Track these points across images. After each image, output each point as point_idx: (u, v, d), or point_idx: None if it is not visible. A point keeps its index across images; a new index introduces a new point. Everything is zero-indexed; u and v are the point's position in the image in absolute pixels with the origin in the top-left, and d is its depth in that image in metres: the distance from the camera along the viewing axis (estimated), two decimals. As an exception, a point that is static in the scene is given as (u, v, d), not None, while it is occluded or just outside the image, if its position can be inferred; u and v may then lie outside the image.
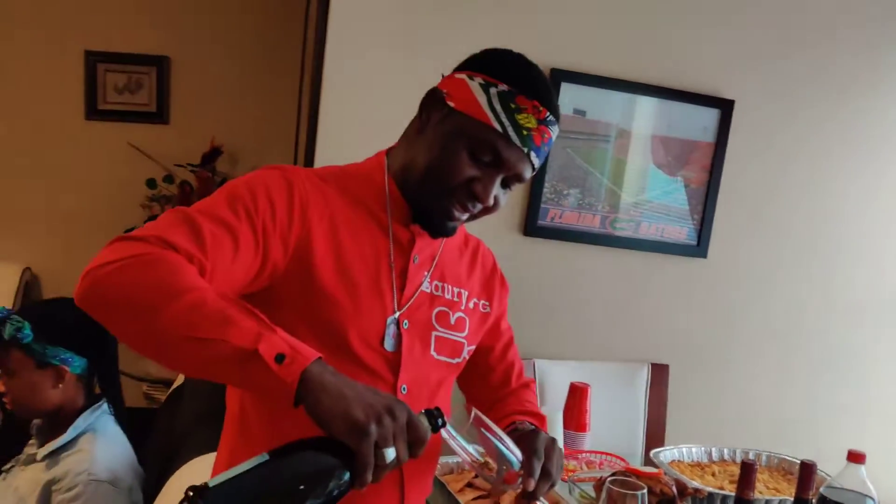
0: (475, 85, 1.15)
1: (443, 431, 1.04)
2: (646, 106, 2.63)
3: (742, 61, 2.70)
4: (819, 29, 2.74)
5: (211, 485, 0.84)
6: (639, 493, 1.44)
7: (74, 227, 3.90)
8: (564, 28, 2.56)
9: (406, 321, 1.21)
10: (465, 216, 1.21)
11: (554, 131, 1.19)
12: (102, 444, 1.88)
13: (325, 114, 2.47)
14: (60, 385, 1.87)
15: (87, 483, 1.77)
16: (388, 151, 1.28)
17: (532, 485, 1.14)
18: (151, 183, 3.85)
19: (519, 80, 1.15)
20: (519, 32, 2.52)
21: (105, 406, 1.96)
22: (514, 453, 1.14)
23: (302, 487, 0.87)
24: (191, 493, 0.83)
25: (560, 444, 1.96)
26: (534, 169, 1.20)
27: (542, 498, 1.23)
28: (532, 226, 2.60)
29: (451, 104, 1.16)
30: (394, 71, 2.47)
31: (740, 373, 2.84)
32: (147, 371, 3.69)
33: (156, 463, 2.09)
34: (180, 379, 2.84)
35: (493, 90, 1.13)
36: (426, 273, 1.25)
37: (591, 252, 2.68)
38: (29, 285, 3.76)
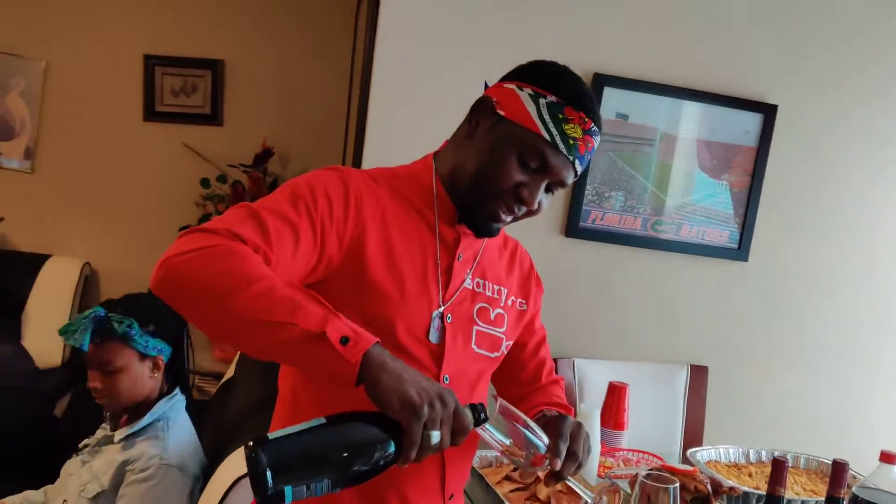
0: (525, 95, 1.21)
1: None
2: (688, 110, 2.66)
3: (785, 66, 2.71)
4: (862, 32, 2.73)
5: (270, 437, 0.93)
6: (671, 486, 1.48)
7: (131, 224, 4.03)
8: (607, 34, 2.60)
9: (450, 315, 1.26)
10: (510, 219, 1.27)
11: (596, 140, 1.25)
12: (175, 432, 1.95)
13: (372, 117, 2.53)
14: (157, 374, 1.97)
15: (159, 467, 1.84)
16: (436, 155, 1.33)
17: (558, 464, 1.19)
18: (205, 182, 3.96)
19: (566, 91, 1.21)
20: (562, 40, 2.57)
21: (179, 395, 2.04)
22: (541, 438, 1.19)
23: (349, 454, 0.95)
24: (251, 444, 0.91)
25: (597, 441, 2.01)
26: (576, 175, 1.26)
27: (573, 478, 1.27)
28: (574, 228, 2.64)
29: (502, 112, 1.22)
30: (438, 78, 2.53)
31: (779, 376, 2.85)
32: (199, 364, 3.80)
33: (207, 452, 2.18)
34: (230, 372, 2.92)
35: (542, 101, 1.20)
36: (469, 271, 1.31)
37: (632, 254, 2.71)
38: (88, 280, 3.90)
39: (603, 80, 2.57)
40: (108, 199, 4.03)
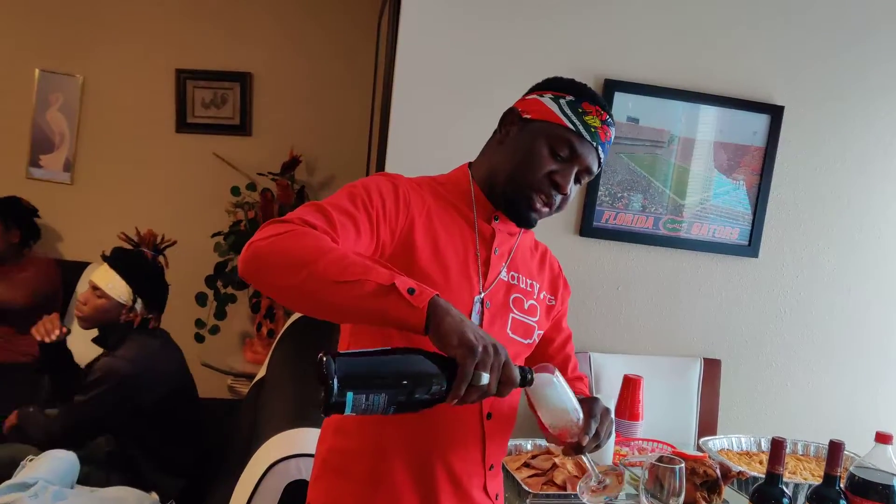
0: (546, 99, 1.40)
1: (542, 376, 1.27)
2: (696, 112, 2.73)
3: (792, 67, 2.77)
4: (868, 35, 2.79)
5: (340, 353, 1.05)
6: (676, 467, 1.57)
7: (165, 230, 4.15)
8: (617, 41, 2.69)
9: (489, 302, 1.40)
10: (546, 209, 1.41)
11: (612, 132, 1.42)
12: None
13: (394, 125, 2.63)
14: None
15: None
16: (470, 164, 1.50)
17: (585, 440, 1.31)
18: (235, 190, 4.09)
19: (582, 92, 1.41)
20: (574, 47, 2.65)
21: None
22: (578, 412, 1.31)
23: (408, 379, 1.06)
24: (323, 354, 1.04)
25: (612, 431, 2.11)
26: (600, 164, 1.42)
27: (588, 455, 1.37)
28: (588, 227, 2.73)
29: (528, 116, 1.40)
30: (456, 85, 2.63)
31: (790, 368, 2.90)
32: (231, 365, 3.93)
33: (242, 446, 2.27)
34: (262, 372, 3.02)
35: (562, 101, 1.39)
36: (504, 264, 1.45)
37: (645, 252, 2.79)
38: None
39: (613, 86, 2.66)
40: (144, 207, 4.16)
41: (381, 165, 2.73)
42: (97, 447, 2.60)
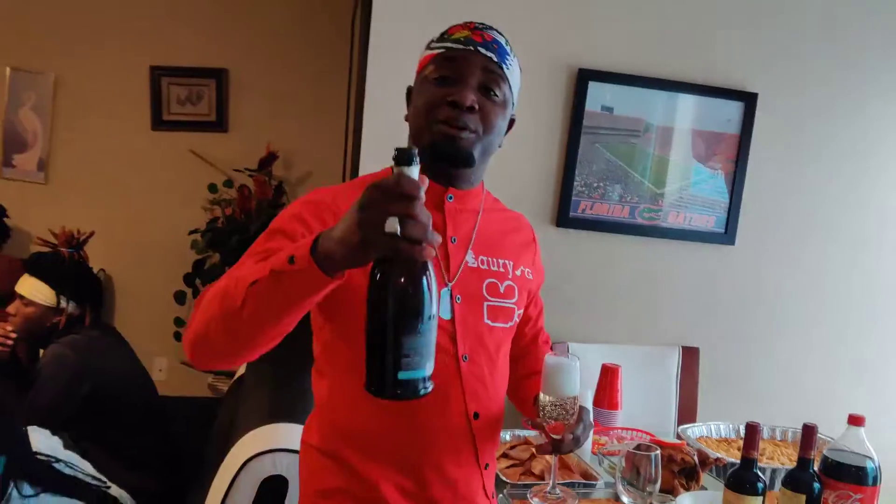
0: (423, 51, 1.38)
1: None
2: (670, 100, 2.74)
3: (764, 55, 2.78)
4: (841, 22, 2.81)
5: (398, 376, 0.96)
6: (652, 454, 1.57)
7: (143, 229, 4.16)
8: (589, 31, 2.69)
9: (459, 296, 1.33)
10: (464, 131, 1.29)
11: (496, 35, 1.34)
12: None
13: (368, 119, 2.62)
14: None
15: None
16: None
17: (567, 439, 1.35)
18: (212, 187, 4.08)
19: (450, 25, 1.37)
20: (547, 38, 2.65)
21: (14, 493, 1.80)
22: (577, 410, 1.37)
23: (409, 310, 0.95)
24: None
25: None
26: (500, 67, 1.32)
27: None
28: (564, 217, 2.73)
29: (415, 78, 1.38)
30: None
31: (767, 354, 2.92)
32: (212, 364, 3.91)
33: (220, 441, 2.26)
34: (241, 370, 3.01)
35: (432, 42, 1.37)
36: (468, 250, 1.37)
37: (622, 241, 2.79)
38: (103, 285, 4.02)
39: (588, 76, 2.66)
40: (120, 205, 4.15)
41: (356, 159, 2.72)
42: None
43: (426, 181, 0.98)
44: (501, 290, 1.40)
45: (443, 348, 1.29)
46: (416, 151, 0.95)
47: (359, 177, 1.41)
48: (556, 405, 1.35)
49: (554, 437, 1.35)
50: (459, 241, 1.37)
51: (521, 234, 1.51)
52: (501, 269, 1.41)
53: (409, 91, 1.39)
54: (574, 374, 1.36)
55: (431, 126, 1.30)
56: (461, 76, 1.30)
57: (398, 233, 0.92)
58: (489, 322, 1.37)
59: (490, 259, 1.40)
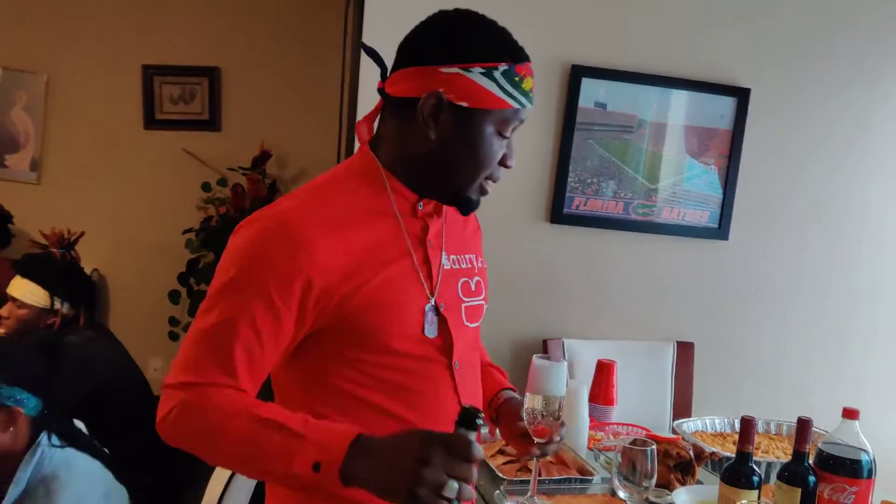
0: (477, 77, 1.16)
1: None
2: (663, 96, 2.75)
3: (757, 50, 2.79)
4: (834, 18, 2.82)
5: None
6: (648, 449, 1.58)
7: (136, 229, 4.14)
8: (582, 26, 2.70)
9: (442, 304, 1.26)
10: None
11: None
12: (64, 488, 1.75)
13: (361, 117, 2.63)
14: (11, 428, 1.76)
15: None
16: (372, 149, 1.28)
17: (550, 446, 1.36)
18: (206, 186, 4.05)
19: (507, 50, 1.19)
20: (539, 33, 2.63)
21: (44, 441, 1.81)
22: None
23: None
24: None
25: (585, 416, 2.12)
26: None
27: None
28: (558, 214, 2.74)
29: (464, 104, 1.17)
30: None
31: (762, 348, 2.94)
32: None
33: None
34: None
35: (495, 74, 1.17)
36: (442, 252, 1.30)
37: (616, 237, 2.80)
38: (97, 286, 4.01)
39: (581, 72, 2.66)
40: (113, 205, 4.13)
41: (350, 155, 2.71)
42: None
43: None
44: (472, 287, 1.35)
45: (434, 361, 1.26)
46: (482, 417, 1.01)
47: (317, 182, 1.27)
48: (545, 405, 1.35)
49: (539, 440, 1.36)
50: (435, 244, 1.29)
51: (471, 222, 1.45)
52: (468, 265, 1.37)
53: (442, 101, 1.18)
54: (562, 376, 1.36)
55: (481, 183, 1.25)
56: (513, 132, 1.24)
57: (454, 497, 0.95)
58: (468, 324, 1.33)
59: (459, 257, 1.35)
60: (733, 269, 2.89)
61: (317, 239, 1.15)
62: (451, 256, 1.33)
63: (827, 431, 1.75)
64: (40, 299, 2.58)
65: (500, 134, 1.21)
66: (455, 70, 1.17)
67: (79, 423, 2.07)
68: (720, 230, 2.84)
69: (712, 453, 1.97)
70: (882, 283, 2.99)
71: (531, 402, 1.36)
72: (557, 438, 1.36)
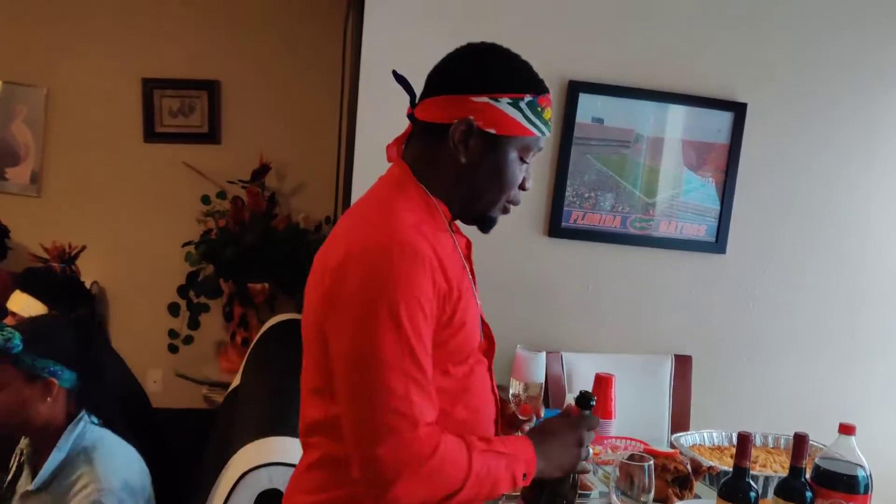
0: (505, 107, 1.27)
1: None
2: (660, 111, 2.76)
3: (753, 66, 2.81)
4: (830, 31, 2.84)
5: None
6: (645, 464, 1.59)
7: (136, 241, 4.15)
8: (579, 43, 2.71)
9: (482, 311, 1.40)
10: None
11: None
12: (101, 458, 1.83)
13: (360, 130, 2.64)
14: (49, 399, 1.82)
15: (103, 500, 1.74)
16: (421, 180, 1.33)
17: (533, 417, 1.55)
18: (205, 199, 4.07)
19: (531, 83, 1.31)
20: (537, 49, 2.62)
21: (87, 417, 1.89)
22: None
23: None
24: None
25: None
26: None
27: None
28: (556, 227, 2.75)
29: (492, 131, 1.27)
30: (419, 87, 2.62)
31: (760, 362, 2.94)
32: (206, 375, 3.92)
33: (216, 454, 2.27)
34: (236, 381, 3.01)
35: (521, 104, 1.28)
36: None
37: (613, 251, 2.81)
38: (96, 298, 4.01)
39: (578, 87, 2.68)
40: (113, 218, 4.15)
41: (349, 170, 2.73)
42: None
43: None
44: (475, 289, 1.41)
45: (483, 364, 1.39)
46: (594, 398, 1.42)
47: (391, 208, 1.28)
48: (527, 389, 1.57)
49: (522, 418, 1.54)
50: (467, 257, 1.40)
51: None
52: (473, 276, 1.44)
53: (472, 127, 1.28)
54: (541, 364, 1.58)
55: (503, 204, 1.36)
56: (532, 158, 1.36)
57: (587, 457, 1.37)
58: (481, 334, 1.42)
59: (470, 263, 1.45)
60: (731, 282, 2.90)
61: (439, 273, 1.25)
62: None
63: (825, 445, 1.76)
64: (38, 313, 2.59)
65: (522, 159, 1.33)
66: (485, 100, 1.27)
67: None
68: (717, 244, 2.85)
69: (710, 467, 1.97)
70: (881, 296, 3.00)
71: (515, 387, 1.57)
72: (534, 419, 1.53)
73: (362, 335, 1.16)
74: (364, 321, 1.16)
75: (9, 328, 1.82)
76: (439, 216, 1.33)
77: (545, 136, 1.33)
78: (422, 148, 1.34)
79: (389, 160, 1.40)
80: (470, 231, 1.44)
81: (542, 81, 1.33)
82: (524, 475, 1.24)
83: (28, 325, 1.95)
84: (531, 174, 1.38)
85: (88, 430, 1.88)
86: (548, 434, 1.33)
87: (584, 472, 1.40)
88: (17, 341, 1.79)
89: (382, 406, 1.15)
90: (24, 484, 1.89)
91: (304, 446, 1.37)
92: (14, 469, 1.98)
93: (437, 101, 1.32)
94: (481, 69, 1.31)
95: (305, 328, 1.32)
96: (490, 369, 1.41)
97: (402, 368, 1.16)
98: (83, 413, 1.88)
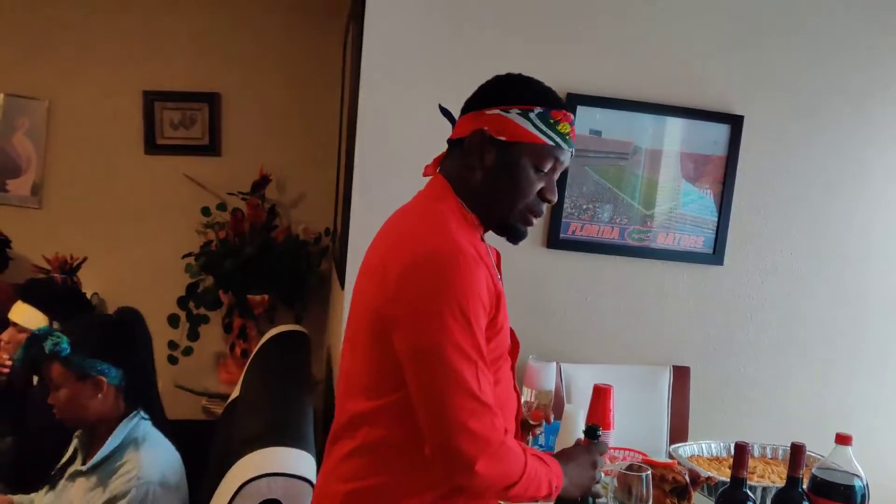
0: (514, 116, 1.38)
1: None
2: (658, 123, 2.78)
3: (750, 78, 2.82)
4: (826, 47, 2.86)
5: None
6: (643, 474, 1.60)
7: (136, 253, 4.16)
8: (577, 55, 2.73)
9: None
10: (535, 219, 1.48)
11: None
12: (148, 451, 1.98)
13: (360, 143, 2.65)
14: (100, 395, 1.99)
15: (139, 487, 1.87)
16: (456, 194, 1.45)
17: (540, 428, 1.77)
18: (206, 211, 4.08)
19: (544, 99, 1.41)
20: (536, 60, 2.64)
21: (141, 413, 2.06)
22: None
23: None
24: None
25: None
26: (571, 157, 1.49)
27: None
28: (555, 239, 2.76)
29: (503, 138, 1.39)
30: (420, 99, 2.63)
31: (758, 372, 2.94)
32: (205, 386, 3.92)
33: (216, 465, 2.27)
34: (235, 392, 3.02)
35: (531, 115, 1.38)
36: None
37: (612, 262, 2.82)
38: (97, 308, 4.02)
39: (577, 100, 2.69)
40: (114, 230, 4.16)
41: (349, 182, 2.74)
42: None
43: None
44: None
45: (509, 363, 1.51)
46: (601, 429, 1.59)
47: (443, 217, 1.40)
48: (538, 397, 1.75)
49: (533, 423, 1.69)
50: (497, 266, 1.53)
51: None
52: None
53: (485, 137, 1.40)
54: (552, 374, 1.76)
55: (523, 212, 1.44)
56: (555, 171, 1.45)
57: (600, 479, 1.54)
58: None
59: None
60: (729, 293, 2.91)
61: (490, 275, 1.38)
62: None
63: (823, 455, 1.77)
64: (40, 324, 2.61)
65: (537, 168, 1.40)
66: (496, 111, 1.40)
67: None
68: (715, 255, 2.86)
69: (708, 478, 1.98)
70: (879, 308, 3.01)
71: (527, 395, 1.73)
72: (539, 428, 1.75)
73: (439, 333, 1.27)
74: (439, 320, 1.27)
75: (57, 332, 1.97)
76: (476, 227, 1.44)
77: (563, 149, 1.41)
78: (451, 163, 1.48)
79: (425, 175, 1.53)
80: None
81: (558, 99, 1.43)
82: (556, 486, 1.37)
83: (75, 327, 2.07)
84: (555, 188, 1.45)
85: (141, 425, 2.04)
86: (567, 457, 1.48)
87: (598, 496, 1.52)
88: (64, 345, 1.94)
89: (462, 394, 1.26)
90: (76, 466, 2.04)
91: (337, 440, 1.45)
92: (69, 455, 2.11)
93: (462, 120, 1.46)
94: (498, 88, 1.45)
95: (356, 333, 1.43)
96: (513, 368, 1.53)
97: (473, 361, 1.28)
98: (138, 409, 2.05)
